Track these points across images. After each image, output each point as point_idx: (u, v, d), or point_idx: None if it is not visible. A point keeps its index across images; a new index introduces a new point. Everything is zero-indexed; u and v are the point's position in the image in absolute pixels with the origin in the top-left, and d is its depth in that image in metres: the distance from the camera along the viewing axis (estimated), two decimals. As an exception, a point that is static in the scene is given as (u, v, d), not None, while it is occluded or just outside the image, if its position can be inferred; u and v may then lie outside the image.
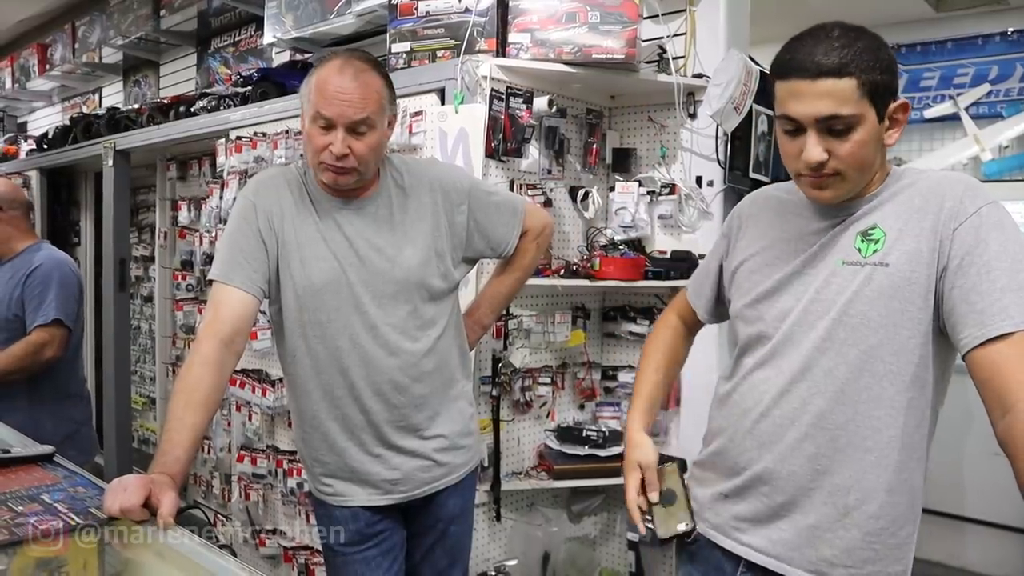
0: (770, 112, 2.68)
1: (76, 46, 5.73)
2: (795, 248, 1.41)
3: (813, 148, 1.28)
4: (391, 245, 1.78)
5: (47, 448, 1.61)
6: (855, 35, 1.27)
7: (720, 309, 1.64)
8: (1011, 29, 5.43)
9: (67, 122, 5.05)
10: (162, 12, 4.76)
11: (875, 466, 1.31)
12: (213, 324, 1.65)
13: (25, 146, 5.67)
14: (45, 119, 6.90)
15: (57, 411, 2.87)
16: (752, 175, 2.67)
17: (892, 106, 1.28)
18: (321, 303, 1.74)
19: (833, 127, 1.26)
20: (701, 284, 1.67)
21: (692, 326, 1.73)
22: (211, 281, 1.73)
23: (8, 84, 6.73)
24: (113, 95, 6.05)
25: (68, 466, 1.56)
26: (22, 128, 7.26)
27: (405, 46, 2.67)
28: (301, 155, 2.93)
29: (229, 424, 3.50)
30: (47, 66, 6.17)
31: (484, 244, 1.92)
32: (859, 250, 1.32)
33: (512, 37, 2.53)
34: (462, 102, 2.41)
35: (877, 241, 1.31)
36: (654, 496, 1.52)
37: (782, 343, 1.38)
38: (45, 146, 5.14)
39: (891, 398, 1.30)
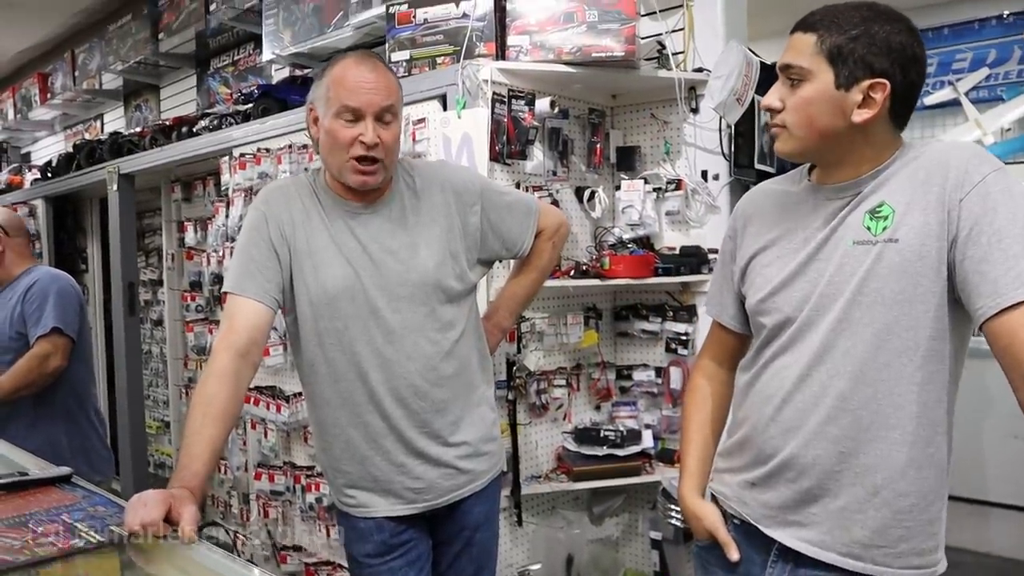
0: (773, 103, 2.67)
1: (76, 74, 5.78)
2: (805, 235, 1.40)
3: (771, 92, 1.38)
4: (405, 248, 1.77)
5: (64, 469, 1.61)
6: (858, 6, 1.32)
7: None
8: (1007, 12, 5.42)
9: (70, 149, 5.07)
10: (160, 35, 4.79)
11: (900, 443, 1.30)
12: (228, 336, 1.64)
13: (29, 176, 5.69)
14: (48, 148, 6.94)
15: (72, 429, 2.90)
16: (758, 166, 2.65)
17: (865, 82, 1.28)
18: (336, 310, 1.74)
19: (791, 77, 1.34)
20: (721, 296, 1.62)
21: (729, 362, 1.64)
22: (225, 294, 1.72)
23: (11, 115, 6.77)
24: (115, 121, 6.08)
25: (86, 486, 1.56)
26: (26, 158, 7.30)
27: (405, 54, 2.67)
28: (306, 168, 2.94)
29: (245, 443, 3.49)
30: (48, 95, 6.22)
31: (499, 245, 1.91)
32: (868, 228, 1.32)
33: (511, 40, 2.52)
34: (464, 107, 2.41)
35: (886, 218, 1.30)
36: (734, 555, 1.47)
37: (801, 329, 1.37)
38: (49, 174, 5.15)
39: (910, 374, 1.29)
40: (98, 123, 6.35)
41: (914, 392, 1.29)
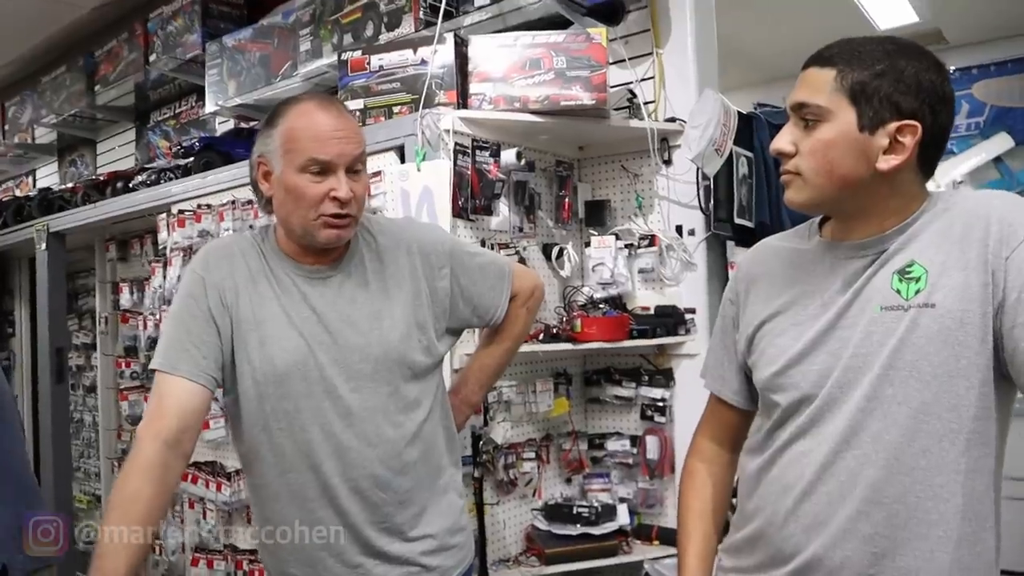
0: (749, 154, 2.54)
1: (6, 127, 5.49)
2: (823, 300, 1.23)
3: (781, 134, 1.23)
4: (366, 318, 1.55)
5: None
6: (880, 40, 1.18)
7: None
8: (952, 67, 5.51)
9: (-3, 206, 4.79)
10: (97, 87, 4.54)
11: (944, 542, 1.12)
12: (156, 421, 1.42)
13: (-47, 235, 5.36)
14: (-24, 206, 6.59)
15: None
16: (737, 221, 2.51)
17: (893, 124, 1.13)
18: (286, 390, 1.51)
19: (805, 117, 1.18)
20: (721, 368, 1.44)
21: (731, 442, 1.46)
22: (154, 371, 1.49)
23: (-65, 170, 6.43)
24: (48, 176, 5.80)
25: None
26: (-48, 216, 6.93)
27: (359, 103, 2.49)
28: (251, 226, 2.73)
29: (183, 520, 3.19)
30: (-26, 150, 5.90)
31: (469, 312, 1.70)
32: (898, 291, 1.15)
33: (474, 88, 2.36)
34: (424, 159, 2.23)
35: (918, 279, 1.14)
36: None
37: (822, 408, 1.20)
38: (-27, 233, 4.85)
39: (953, 461, 1.12)
40: (30, 179, 6.05)
41: (958, 482, 1.12)
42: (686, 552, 1.42)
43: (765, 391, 1.30)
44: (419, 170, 2.23)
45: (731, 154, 2.42)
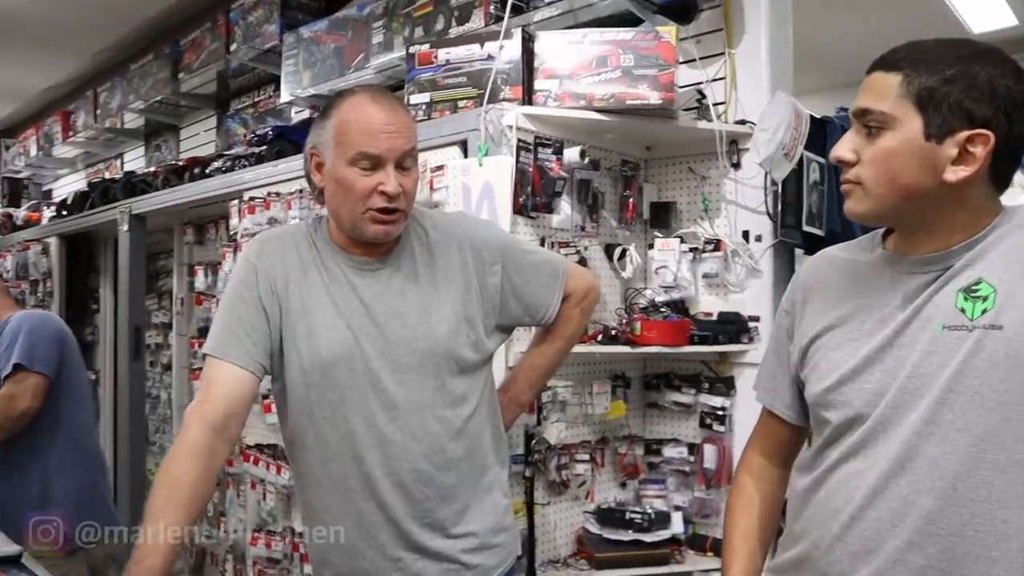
0: (822, 160, 2.46)
1: (98, 112, 5.72)
2: (881, 315, 1.18)
3: (841, 141, 1.18)
4: (415, 311, 1.55)
5: (13, 548, 1.44)
6: (953, 43, 1.11)
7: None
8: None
9: (86, 188, 4.98)
10: (181, 75, 4.70)
11: None
12: (203, 406, 1.46)
13: (47, 212, 5.60)
14: (70, 186, 6.89)
15: (76, 481, 2.71)
16: (805, 228, 2.42)
17: (963, 133, 1.07)
18: (332, 380, 1.52)
19: (868, 124, 1.13)
20: (773, 380, 1.39)
21: (781, 458, 1.42)
22: (205, 356, 1.53)
23: (33, 152, 6.73)
24: (135, 160, 6.02)
25: (37, 572, 1.38)
26: (47, 195, 7.26)
27: (425, 97, 2.50)
28: (317, 215, 2.77)
29: (245, 500, 3.27)
30: (70, 133, 6.17)
31: (520, 310, 1.69)
32: (963, 311, 1.09)
33: (539, 84, 2.34)
34: (486, 154, 2.22)
35: (985, 298, 1.08)
36: None
37: (875, 429, 1.14)
38: (64, 212, 5.06)
39: (1018, 495, 1.05)
40: (119, 162, 6.29)
41: (1023, 518, 1.05)
42: (730, 569, 1.38)
43: (816, 407, 1.25)
44: (481, 165, 2.22)
45: (802, 159, 2.34)
